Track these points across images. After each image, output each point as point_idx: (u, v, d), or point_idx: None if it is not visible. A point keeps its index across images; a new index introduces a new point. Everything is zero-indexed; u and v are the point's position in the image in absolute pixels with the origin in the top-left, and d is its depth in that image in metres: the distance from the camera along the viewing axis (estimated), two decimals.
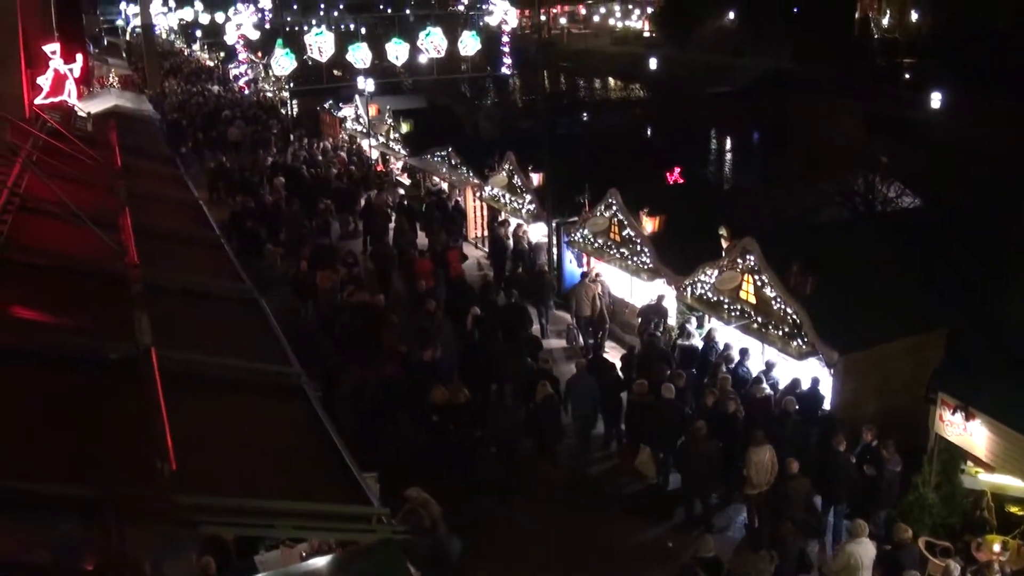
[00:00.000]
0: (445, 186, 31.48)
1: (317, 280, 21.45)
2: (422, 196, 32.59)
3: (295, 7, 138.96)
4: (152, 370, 7.57)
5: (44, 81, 18.81)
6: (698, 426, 14.70)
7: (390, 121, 36.53)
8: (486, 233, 28.54)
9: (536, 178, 24.73)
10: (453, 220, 28.83)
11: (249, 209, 27.87)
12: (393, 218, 28.58)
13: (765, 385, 16.34)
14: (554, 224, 23.81)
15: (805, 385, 15.91)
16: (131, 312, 9.01)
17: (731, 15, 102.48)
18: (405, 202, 30.53)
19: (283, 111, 53.46)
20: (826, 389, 15.83)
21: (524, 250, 24.98)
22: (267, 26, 66.95)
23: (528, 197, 24.81)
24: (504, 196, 25.96)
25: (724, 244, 18.26)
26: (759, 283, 16.65)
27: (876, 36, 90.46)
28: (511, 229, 25.75)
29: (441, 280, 22.83)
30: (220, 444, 7.90)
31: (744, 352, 17.20)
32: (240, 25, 59.28)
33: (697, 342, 18.57)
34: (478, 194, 28.31)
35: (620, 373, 18.01)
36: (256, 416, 8.99)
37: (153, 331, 8.48)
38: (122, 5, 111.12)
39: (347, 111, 43.05)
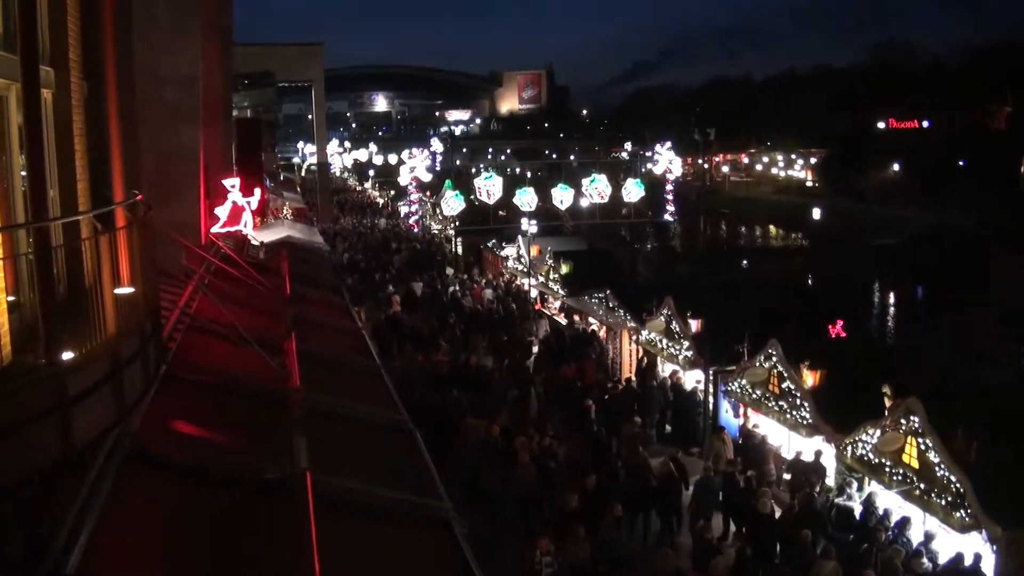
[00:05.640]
0: (601, 330, 31.66)
1: (515, 447, 19.96)
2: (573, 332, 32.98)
3: (464, 151, 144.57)
4: (306, 493, 7.71)
5: (222, 211, 19.85)
6: None
7: (550, 262, 37.06)
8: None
9: (694, 324, 24.56)
10: (588, 342, 30.54)
11: (454, 373, 26.05)
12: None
13: (926, 560, 15.44)
14: (711, 372, 23.49)
15: (968, 561, 14.90)
16: (290, 435, 9.25)
17: (895, 167, 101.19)
18: (551, 339, 31.41)
19: (448, 247, 55.25)
20: (988, 567, 14.73)
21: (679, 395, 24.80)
22: (437, 168, 69.73)
23: (686, 343, 24.55)
24: (661, 341, 25.80)
25: (887, 403, 17.61)
26: (923, 447, 15.87)
27: None
28: (666, 374, 25.59)
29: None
30: (366, 573, 7.96)
31: (905, 521, 16.34)
32: (414, 168, 61.86)
33: (856, 505, 17.77)
34: (634, 338, 28.24)
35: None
36: (402, 547, 9.02)
37: (310, 455, 8.67)
38: (299, 144, 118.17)
39: (509, 250, 43.98)
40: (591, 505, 17.47)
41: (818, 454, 19.11)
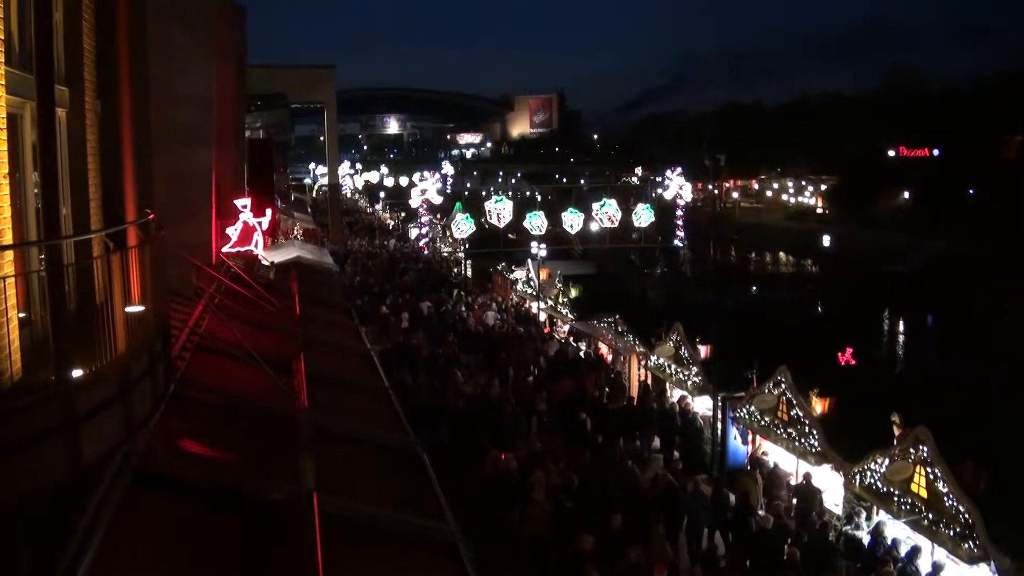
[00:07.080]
0: (605, 352, 31.68)
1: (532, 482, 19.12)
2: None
3: (475, 174, 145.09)
4: (312, 514, 7.70)
5: (233, 232, 19.91)
6: None
7: (559, 285, 37.09)
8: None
9: (703, 350, 24.49)
10: (592, 362, 30.89)
11: (473, 407, 24.60)
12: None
13: None
14: (720, 398, 23.39)
15: None
16: (297, 455, 9.24)
17: (906, 195, 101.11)
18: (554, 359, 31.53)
19: (456, 269, 55.37)
20: None
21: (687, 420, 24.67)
22: (448, 191, 69.90)
23: (694, 369, 24.49)
24: (669, 366, 25.73)
25: (896, 431, 17.50)
26: (932, 476, 15.74)
27: None
28: (674, 400, 25.53)
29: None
30: None
31: (913, 551, 16.21)
32: (425, 190, 62.20)
33: (864, 535, 17.63)
34: (643, 363, 28.18)
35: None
36: (409, 569, 8.99)
37: (317, 476, 8.65)
38: (311, 165, 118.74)
39: (519, 273, 44.00)
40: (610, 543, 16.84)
41: (807, 477, 19.15)
